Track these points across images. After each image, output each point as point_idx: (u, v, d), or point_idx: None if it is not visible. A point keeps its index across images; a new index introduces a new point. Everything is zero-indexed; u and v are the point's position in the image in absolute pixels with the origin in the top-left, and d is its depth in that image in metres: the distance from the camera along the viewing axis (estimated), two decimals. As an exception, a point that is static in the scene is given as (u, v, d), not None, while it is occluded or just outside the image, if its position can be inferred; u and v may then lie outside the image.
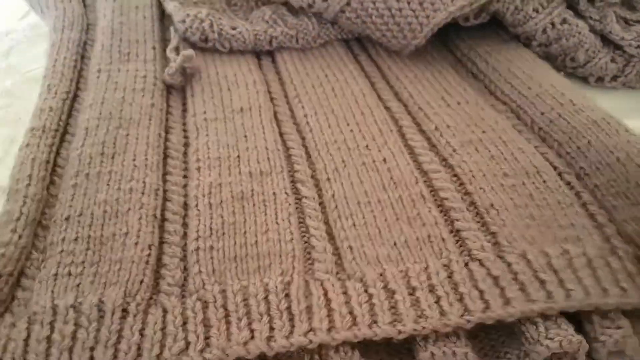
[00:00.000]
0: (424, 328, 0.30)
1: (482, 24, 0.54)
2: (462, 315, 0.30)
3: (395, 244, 0.35)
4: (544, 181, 0.39)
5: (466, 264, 0.33)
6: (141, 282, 0.33)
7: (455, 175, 0.40)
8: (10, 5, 0.67)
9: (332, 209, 0.38)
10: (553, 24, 0.51)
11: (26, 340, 0.30)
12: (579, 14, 0.53)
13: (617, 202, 0.37)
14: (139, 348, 0.29)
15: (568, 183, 0.40)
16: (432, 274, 0.33)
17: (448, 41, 0.57)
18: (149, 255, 0.34)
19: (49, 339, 0.30)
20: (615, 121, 0.44)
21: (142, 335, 0.30)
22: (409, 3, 0.50)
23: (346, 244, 0.35)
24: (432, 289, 0.32)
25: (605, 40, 0.53)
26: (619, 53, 0.53)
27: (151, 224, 0.36)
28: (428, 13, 0.50)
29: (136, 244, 0.35)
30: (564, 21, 0.51)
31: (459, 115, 0.46)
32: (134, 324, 0.31)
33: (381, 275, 0.33)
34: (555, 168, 0.41)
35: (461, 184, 0.40)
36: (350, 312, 0.31)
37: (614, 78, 0.54)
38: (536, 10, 0.51)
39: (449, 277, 0.32)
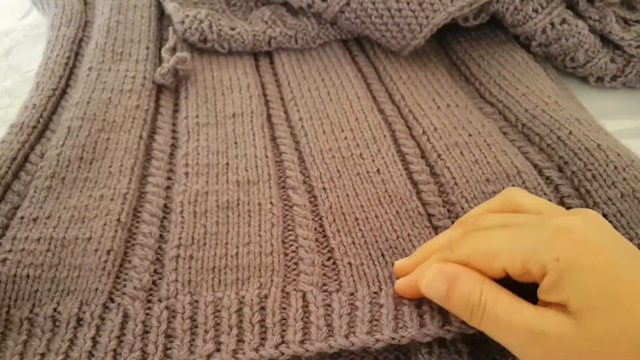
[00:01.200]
0: (402, 337, 0.29)
1: (481, 25, 0.54)
2: (442, 326, 0.30)
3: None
4: (524, 182, 0.39)
5: None
6: (96, 289, 0.32)
7: (440, 184, 0.40)
8: (10, 5, 0.67)
9: (330, 222, 0.38)
10: (552, 24, 0.51)
11: None
12: (578, 14, 0.52)
13: (592, 186, 0.38)
14: (91, 356, 0.29)
15: (547, 178, 0.40)
16: None
17: (445, 44, 0.57)
18: (105, 261, 0.34)
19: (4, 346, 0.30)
20: (600, 125, 0.44)
21: (95, 342, 0.30)
22: (408, 4, 0.50)
23: (346, 260, 0.35)
24: (418, 304, 0.31)
25: (605, 40, 0.53)
26: (618, 53, 0.53)
27: (113, 229, 0.36)
28: (427, 14, 0.50)
29: (96, 250, 0.35)
30: (564, 21, 0.51)
31: (447, 118, 0.46)
32: (87, 332, 0.30)
33: (375, 293, 0.32)
34: (535, 166, 0.41)
35: (445, 194, 0.40)
36: (329, 325, 0.30)
37: (614, 78, 0.54)
38: (535, 11, 0.51)
39: None
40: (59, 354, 0.29)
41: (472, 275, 0.28)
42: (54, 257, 0.34)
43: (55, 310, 0.31)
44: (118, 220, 0.37)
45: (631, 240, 0.35)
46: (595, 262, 0.25)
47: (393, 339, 0.29)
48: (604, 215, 0.37)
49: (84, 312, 0.31)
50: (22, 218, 0.36)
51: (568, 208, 0.38)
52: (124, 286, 0.33)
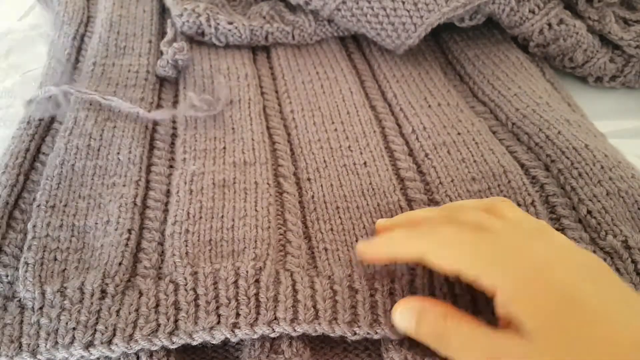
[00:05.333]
0: (376, 333, 0.31)
1: (478, 24, 0.54)
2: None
3: None
4: (509, 181, 0.40)
5: (430, 274, 0.34)
6: (120, 264, 0.34)
7: (426, 183, 0.41)
8: (10, 5, 0.67)
9: (311, 210, 0.39)
10: (550, 25, 0.51)
11: (20, 325, 0.32)
12: (577, 14, 0.52)
13: (578, 183, 0.38)
14: (114, 328, 0.31)
15: (533, 177, 0.40)
16: (397, 277, 0.33)
17: (442, 42, 0.57)
18: (127, 239, 0.36)
19: (38, 322, 0.32)
20: (593, 126, 0.44)
21: (118, 316, 0.31)
22: (403, 3, 0.50)
23: (322, 246, 0.36)
24: (391, 292, 0.32)
25: (604, 40, 0.53)
26: (618, 53, 0.53)
27: (131, 211, 0.38)
28: (422, 14, 0.50)
29: (116, 229, 0.36)
30: (561, 22, 0.51)
31: (437, 117, 0.46)
32: (111, 304, 0.32)
33: (349, 276, 0.33)
34: (522, 165, 0.41)
35: (430, 193, 0.40)
36: (314, 306, 0.31)
37: (613, 78, 0.54)
38: (532, 12, 0.51)
39: (411, 282, 0.33)
40: (88, 328, 0.31)
41: (437, 308, 0.29)
42: (79, 242, 0.36)
43: (82, 283, 0.33)
44: (134, 203, 0.38)
45: (615, 237, 0.35)
46: (547, 282, 0.26)
47: (368, 334, 0.31)
48: (589, 212, 0.37)
49: (107, 285, 0.33)
50: (38, 206, 0.38)
51: (553, 207, 0.38)
52: (136, 267, 0.35)
